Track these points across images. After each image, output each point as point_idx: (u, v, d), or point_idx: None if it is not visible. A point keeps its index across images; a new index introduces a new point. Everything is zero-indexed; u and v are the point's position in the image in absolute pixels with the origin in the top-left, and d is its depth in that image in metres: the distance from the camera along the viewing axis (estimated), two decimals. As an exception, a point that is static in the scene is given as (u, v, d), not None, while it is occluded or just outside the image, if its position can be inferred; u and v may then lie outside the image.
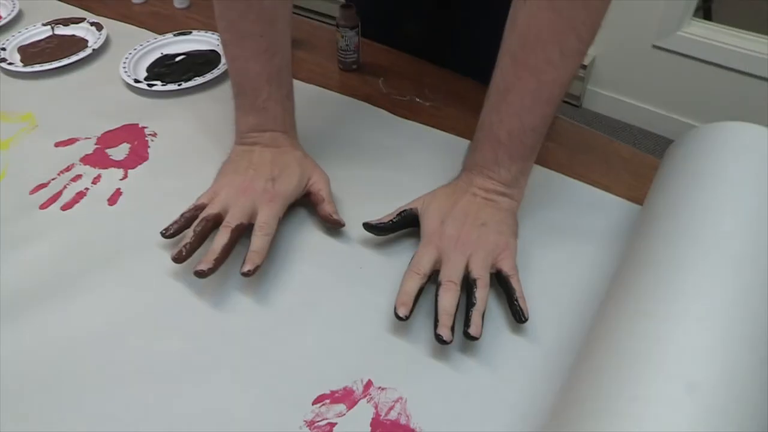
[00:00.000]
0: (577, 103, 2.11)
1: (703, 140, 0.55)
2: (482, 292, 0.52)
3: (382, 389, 0.48)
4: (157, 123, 0.74)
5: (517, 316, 0.52)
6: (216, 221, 0.57)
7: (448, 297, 0.51)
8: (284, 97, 0.64)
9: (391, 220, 0.59)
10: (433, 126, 0.73)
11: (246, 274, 0.53)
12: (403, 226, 0.59)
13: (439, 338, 0.49)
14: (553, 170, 0.68)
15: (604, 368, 0.39)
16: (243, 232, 0.57)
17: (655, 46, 1.85)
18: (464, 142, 0.69)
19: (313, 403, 0.47)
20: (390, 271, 0.57)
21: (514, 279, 0.53)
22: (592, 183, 0.66)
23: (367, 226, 0.59)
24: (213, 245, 0.55)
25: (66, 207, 0.63)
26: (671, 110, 1.96)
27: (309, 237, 0.61)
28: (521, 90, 0.55)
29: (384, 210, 0.60)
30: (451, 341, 0.49)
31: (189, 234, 0.56)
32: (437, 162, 0.68)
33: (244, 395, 0.48)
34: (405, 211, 0.59)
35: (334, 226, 0.60)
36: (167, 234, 0.57)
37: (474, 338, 0.49)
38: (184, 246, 0.55)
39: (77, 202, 0.64)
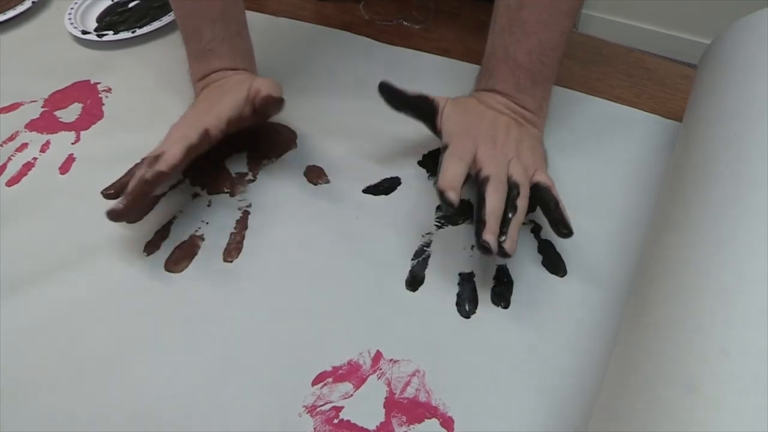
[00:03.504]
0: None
1: (750, 32, 0.46)
2: (523, 202, 0.43)
3: (395, 362, 0.40)
4: (111, 77, 0.65)
5: (560, 227, 0.42)
6: None
7: (498, 197, 0.42)
8: (233, 35, 0.55)
9: (411, 95, 0.48)
10: (425, 51, 0.64)
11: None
12: (417, 110, 0.49)
13: (483, 246, 0.40)
14: (567, 87, 0.59)
15: (681, 318, 0.31)
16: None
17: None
18: (463, 66, 0.61)
19: (313, 384, 0.39)
20: (392, 219, 0.49)
21: (554, 190, 0.44)
22: (614, 99, 0.58)
23: (383, 86, 0.48)
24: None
25: (12, 182, 0.55)
26: (672, 27, 1.85)
27: (292, 188, 0.52)
28: (536, 4, 0.46)
29: (382, 150, 0.53)
30: (495, 252, 0.40)
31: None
32: (435, 90, 0.58)
33: (229, 381, 0.40)
34: (427, 97, 0.49)
35: (270, 105, 0.49)
36: (108, 193, 0.47)
37: (507, 255, 0.40)
38: (125, 195, 0.45)
39: (24, 174, 0.55)
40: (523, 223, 0.47)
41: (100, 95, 0.63)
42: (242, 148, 0.55)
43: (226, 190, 0.51)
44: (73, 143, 0.58)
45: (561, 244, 0.46)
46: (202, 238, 0.48)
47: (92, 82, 0.65)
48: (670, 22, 1.85)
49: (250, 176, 0.52)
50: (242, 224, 0.49)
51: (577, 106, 0.57)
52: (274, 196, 0.51)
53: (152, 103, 0.61)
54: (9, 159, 0.57)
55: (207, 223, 0.49)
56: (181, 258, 0.47)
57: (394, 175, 0.52)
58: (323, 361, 0.40)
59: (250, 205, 0.50)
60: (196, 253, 0.47)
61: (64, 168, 0.55)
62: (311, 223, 0.49)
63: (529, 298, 0.43)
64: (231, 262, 0.46)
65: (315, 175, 0.52)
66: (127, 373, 0.41)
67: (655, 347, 0.31)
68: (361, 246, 0.47)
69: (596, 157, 0.52)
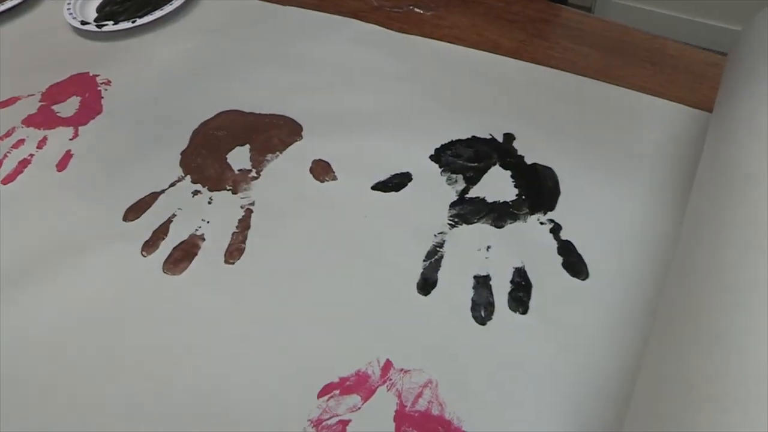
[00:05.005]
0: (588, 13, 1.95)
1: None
2: None
3: (405, 372, 0.37)
4: (111, 69, 0.62)
5: None
6: None
7: None
8: None
9: None
10: (438, 38, 0.61)
11: None
12: None
13: None
14: (586, 76, 0.56)
15: (717, 332, 0.28)
16: None
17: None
18: (477, 54, 0.58)
19: (319, 396, 0.37)
20: (403, 217, 0.46)
21: None
22: (637, 88, 0.55)
23: None
24: None
25: (7, 180, 0.53)
26: (693, 13, 1.80)
27: (297, 185, 0.49)
28: None
29: (391, 144, 0.49)
30: None
31: None
32: (449, 79, 0.56)
33: (228, 392, 0.37)
34: None
35: None
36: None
37: None
38: None
39: (20, 172, 0.53)
40: (541, 223, 0.44)
41: (99, 88, 0.61)
42: (245, 141, 0.53)
43: (228, 188, 0.49)
44: (71, 139, 0.56)
45: (582, 245, 0.43)
46: (202, 237, 0.46)
47: (91, 74, 0.62)
48: (695, 8, 1.80)
49: (253, 173, 0.50)
50: (245, 223, 0.47)
51: (597, 96, 0.54)
52: (279, 193, 0.49)
53: (153, 96, 0.59)
54: (5, 156, 0.55)
55: (208, 222, 0.47)
56: (180, 259, 0.45)
57: (404, 170, 0.49)
58: (330, 371, 0.38)
59: (253, 203, 0.48)
60: (196, 254, 0.45)
61: (62, 165, 0.53)
62: (317, 222, 0.46)
63: (549, 303, 0.40)
64: (233, 263, 0.44)
65: (321, 170, 0.49)
66: (121, 378, 0.39)
67: (690, 365, 0.28)
68: (370, 246, 0.44)
69: (619, 150, 0.49)
